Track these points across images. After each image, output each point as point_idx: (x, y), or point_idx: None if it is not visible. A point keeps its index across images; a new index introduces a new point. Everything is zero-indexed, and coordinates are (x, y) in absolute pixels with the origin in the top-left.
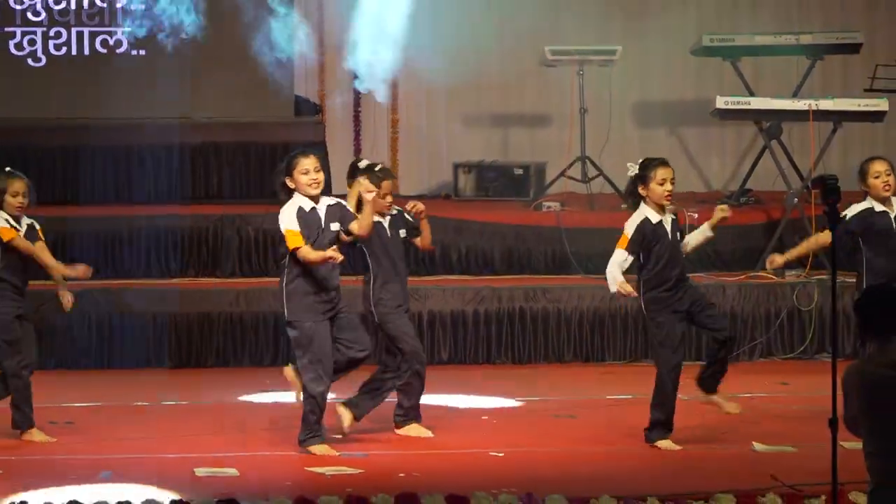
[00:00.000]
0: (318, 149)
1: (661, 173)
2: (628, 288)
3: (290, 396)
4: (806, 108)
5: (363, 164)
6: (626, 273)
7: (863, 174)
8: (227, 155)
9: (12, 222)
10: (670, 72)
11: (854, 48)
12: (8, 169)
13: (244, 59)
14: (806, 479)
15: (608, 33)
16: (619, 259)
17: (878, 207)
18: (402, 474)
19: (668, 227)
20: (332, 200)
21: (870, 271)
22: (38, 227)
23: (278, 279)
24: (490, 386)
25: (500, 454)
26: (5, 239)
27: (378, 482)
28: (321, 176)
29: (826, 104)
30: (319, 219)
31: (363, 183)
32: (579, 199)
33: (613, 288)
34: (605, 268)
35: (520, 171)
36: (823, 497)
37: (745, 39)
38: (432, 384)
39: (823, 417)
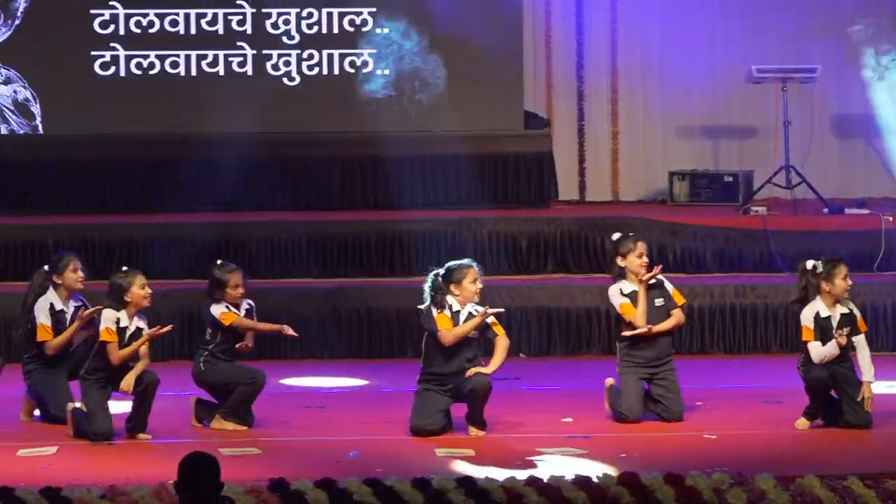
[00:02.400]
0: (546, 158)
1: (843, 270)
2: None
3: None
4: None
5: (615, 236)
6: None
7: None
8: (465, 165)
9: (232, 308)
10: (866, 88)
11: None
12: (220, 262)
13: (478, 77)
14: None
15: (809, 53)
16: (816, 347)
17: None
18: (623, 455)
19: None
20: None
21: None
22: (254, 308)
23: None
24: (704, 374)
25: (713, 436)
26: (226, 323)
27: (601, 462)
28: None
29: None
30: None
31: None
32: (784, 204)
33: (836, 350)
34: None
35: (729, 179)
36: None
37: None
38: None
39: None
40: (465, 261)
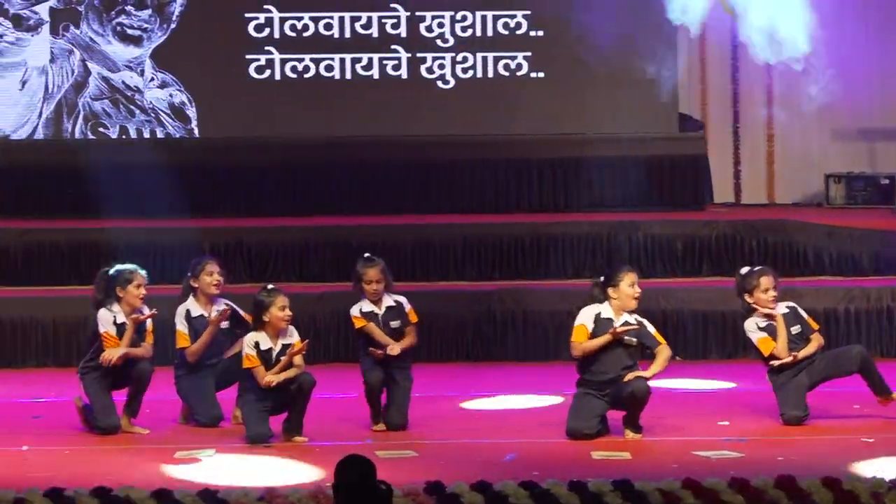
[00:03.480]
0: (701, 161)
1: None
2: None
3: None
4: None
5: (743, 271)
6: None
7: None
8: (620, 167)
9: (366, 309)
10: None
11: None
12: (367, 255)
13: (632, 80)
14: None
15: None
16: None
17: None
18: (780, 458)
19: None
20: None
21: None
22: (406, 307)
23: None
24: (859, 378)
25: (871, 440)
26: (356, 326)
27: (758, 465)
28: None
29: None
30: None
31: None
32: None
33: None
34: None
35: (886, 181)
36: None
37: None
38: None
39: None
40: (625, 265)
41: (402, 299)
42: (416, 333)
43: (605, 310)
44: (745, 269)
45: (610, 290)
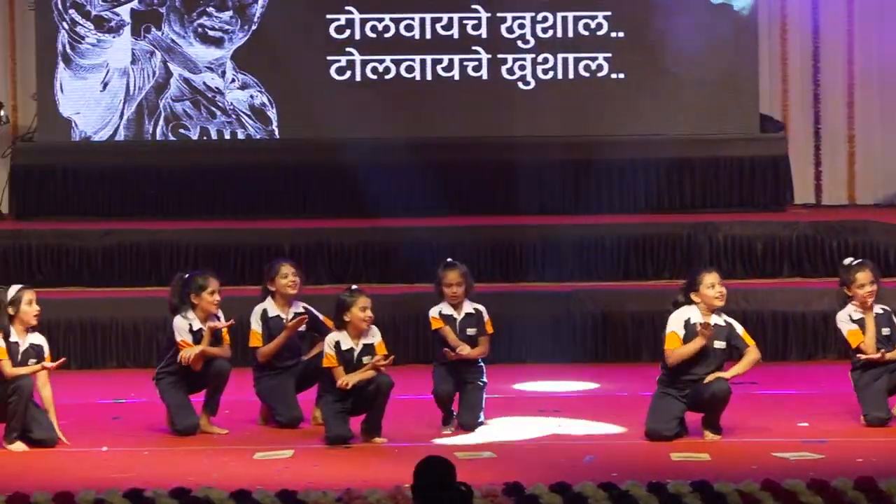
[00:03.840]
0: (782, 162)
1: None
2: None
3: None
4: None
5: (846, 261)
6: None
7: None
8: (700, 168)
9: (445, 312)
10: None
11: None
12: (448, 259)
13: (713, 80)
14: None
15: None
16: None
17: None
18: (859, 459)
19: None
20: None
21: None
22: (485, 317)
23: None
24: None
25: None
26: (433, 327)
27: (838, 467)
28: None
29: None
30: None
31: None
32: None
33: None
34: None
35: None
36: None
37: None
38: None
39: None
40: (703, 267)
41: (482, 308)
42: (489, 344)
43: (695, 314)
44: (847, 260)
45: (692, 296)
